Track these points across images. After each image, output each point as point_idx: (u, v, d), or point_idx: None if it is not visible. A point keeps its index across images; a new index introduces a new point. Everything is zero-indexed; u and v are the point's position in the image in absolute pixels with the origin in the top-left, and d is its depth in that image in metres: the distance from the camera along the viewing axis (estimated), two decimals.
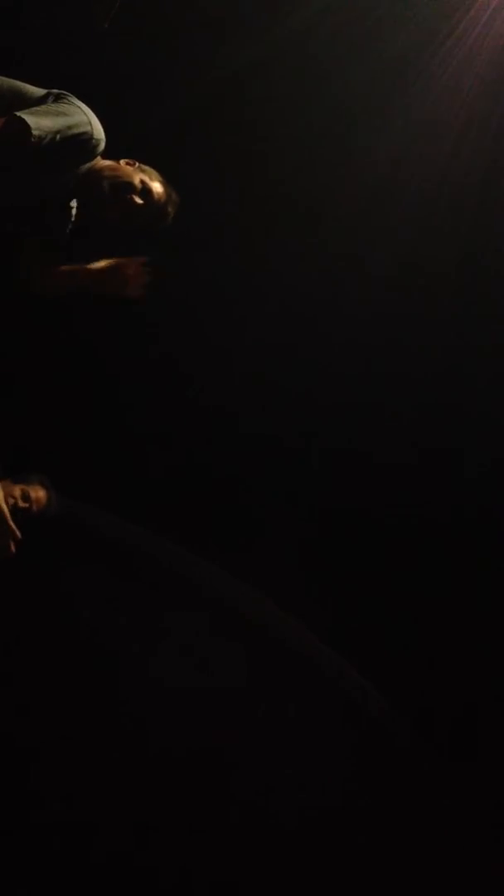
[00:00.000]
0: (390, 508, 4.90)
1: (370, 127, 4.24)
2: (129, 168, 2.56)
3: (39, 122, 2.29)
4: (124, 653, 4.55)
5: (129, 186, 2.53)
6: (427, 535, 4.91)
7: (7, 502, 2.78)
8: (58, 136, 2.32)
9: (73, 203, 2.61)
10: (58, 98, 2.40)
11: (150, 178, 2.57)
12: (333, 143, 4.32)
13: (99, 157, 2.51)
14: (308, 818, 4.51)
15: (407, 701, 4.98)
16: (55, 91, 2.44)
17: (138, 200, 2.54)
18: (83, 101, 2.49)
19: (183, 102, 4.09)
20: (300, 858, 4.44)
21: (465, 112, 4.19)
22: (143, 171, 2.58)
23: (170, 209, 2.61)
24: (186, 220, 2.73)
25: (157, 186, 2.57)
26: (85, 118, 2.40)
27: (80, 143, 2.40)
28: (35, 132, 2.26)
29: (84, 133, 2.39)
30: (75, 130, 2.36)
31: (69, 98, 2.42)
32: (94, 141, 2.43)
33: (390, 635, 4.91)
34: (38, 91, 2.45)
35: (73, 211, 2.62)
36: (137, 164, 2.59)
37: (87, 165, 2.49)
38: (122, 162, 2.57)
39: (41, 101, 2.40)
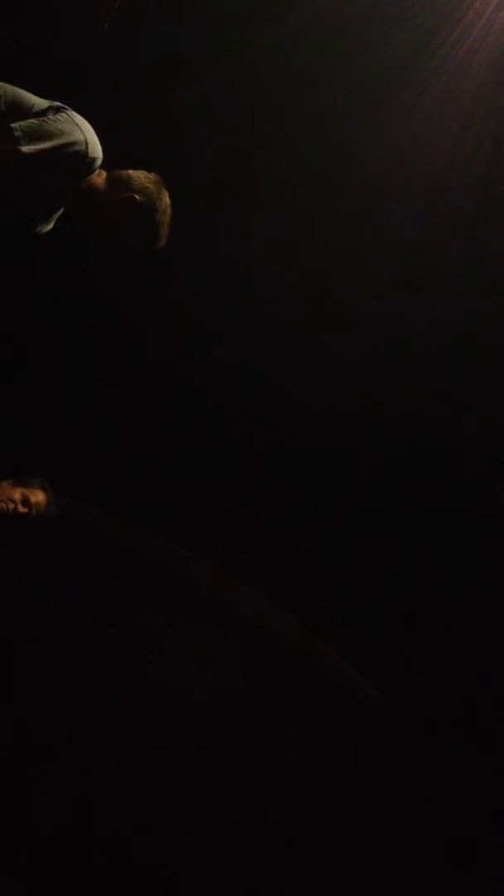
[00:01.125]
0: (390, 508, 4.90)
1: (370, 127, 4.23)
2: (125, 197, 2.51)
3: (33, 136, 2.26)
4: (124, 653, 4.55)
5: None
6: (427, 534, 4.92)
7: (7, 506, 2.76)
8: (51, 153, 2.29)
9: (57, 214, 2.59)
10: (57, 112, 2.37)
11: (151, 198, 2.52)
12: (333, 143, 4.31)
13: (97, 172, 2.48)
14: (308, 817, 4.52)
15: (407, 700, 4.98)
16: (56, 104, 2.41)
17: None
18: (83, 102, 2.47)
19: (182, 102, 4.08)
20: (300, 857, 4.45)
21: (466, 112, 4.18)
22: (138, 183, 2.53)
23: (164, 232, 2.58)
24: (185, 222, 2.72)
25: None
26: (81, 136, 2.36)
27: (73, 161, 2.37)
28: (26, 149, 2.24)
29: (78, 151, 2.35)
30: (70, 149, 2.33)
31: (68, 113, 2.38)
32: (88, 159, 2.40)
33: (390, 635, 4.92)
34: (40, 103, 2.41)
35: (53, 223, 2.60)
36: (142, 172, 2.55)
37: (85, 182, 2.46)
38: (124, 171, 2.54)
39: (41, 113, 2.37)
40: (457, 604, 4.85)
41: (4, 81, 2.44)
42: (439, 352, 4.68)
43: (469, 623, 4.87)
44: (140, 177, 2.55)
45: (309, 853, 4.47)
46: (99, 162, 2.46)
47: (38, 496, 2.86)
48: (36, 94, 2.48)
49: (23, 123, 2.28)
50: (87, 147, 2.38)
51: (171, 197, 2.60)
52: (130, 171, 2.55)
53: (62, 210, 2.59)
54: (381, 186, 4.31)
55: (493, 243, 4.48)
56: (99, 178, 2.51)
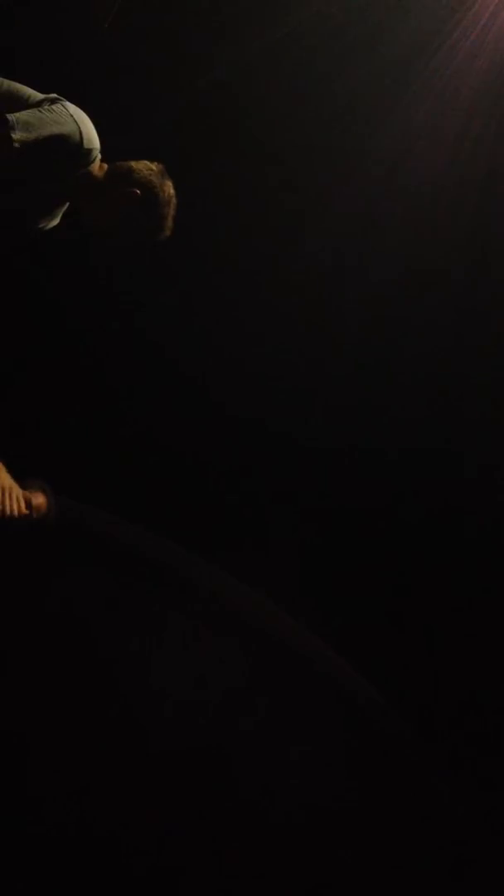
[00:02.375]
0: (391, 508, 4.90)
1: (370, 127, 4.24)
2: (126, 191, 2.50)
3: (27, 126, 2.26)
4: (124, 653, 4.54)
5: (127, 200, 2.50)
6: (427, 534, 4.91)
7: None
8: (45, 143, 2.29)
9: (63, 209, 2.59)
10: (53, 103, 2.37)
11: (154, 190, 2.51)
12: (333, 143, 4.32)
13: (96, 163, 2.47)
14: (308, 818, 4.51)
15: (408, 701, 4.98)
16: (52, 96, 2.41)
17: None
18: (83, 101, 2.47)
19: (183, 102, 4.08)
20: (300, 858, 4.44)
21: (466, 112, 4.19)
22: (144, 175, 2.52)
23: (167, 223, 2.57)
24: (186, 222, 2.72)
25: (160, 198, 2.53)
26: (75, 126, 2.35)
27: (68, 151, 2.36)
28: (19, 138, 2.24)
29: (73, 142, 2.35)
30: (64, 139, 2.33)
31: (64, 104, 2.38)
32: (83, 150, 2.39)
33: (390, 635, 4.92)
34: (37, 95, 2.42)
35: (59, 218, 2.60)
36: (144, 162, 2.54)
37: (83, 172, 2.45)
38: (125, 161, 2.53)
39: (37, 105, 2.36)
40: (458, 603, 4.85)
41: (2, 76, 2.45)
42: (439, 351, 4.69)
43: (470, 623, 4.87)
44: (142, 168, 2.53)
45: (309, 853, 4.46)
46: (95, 153, 2.45)
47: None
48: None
49: (17, 114, 2.28)
50: (81, 138, 2.38)
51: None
52: (132, 163, 2.54)
53: (67, 205, 2.59)
54: (382, 187, 4.32)
55: (494, 244, 4.49)
56: (100, 170, 2.50)
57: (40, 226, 2.58)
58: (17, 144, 2.23)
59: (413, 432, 4.80)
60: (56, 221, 2.62)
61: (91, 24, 3.63)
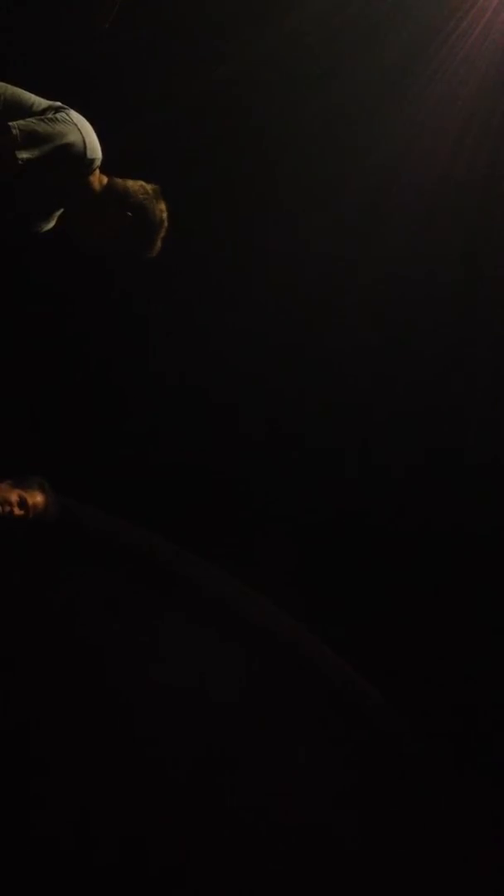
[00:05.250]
0: (391, 509, 4.90)
1: (370, 127, 4.24)
2: (120, 213, 2.50)
3: (31, 135, 2.27)
4: (124, 655, 4.55)
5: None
6: (427, 534, 4.91)
7: (3, 509, 2.73)
8: (49, 152, 2.29)
9: (58, 213, 2.59)
10: (57, 111, 2.38)
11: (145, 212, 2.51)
12: (333, 144, 4.32)
13: (95, 173, 2.48)
14: (309, 822, 4.51)
15: (408, 703, 4.98)
16: (56, 104, 2.42)
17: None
18: (83, 101, 2.47)
19: (182, 103, 4.09)
20: (301, 863, 4.44)
21: (466, 112, 4.19)
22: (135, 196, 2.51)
23: (156, 245, 2.57)
24: (186, 222, 2.72)
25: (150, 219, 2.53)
26: (79, 135, 2.36)
27: (70, 159, 2.37)
28: (23, 146, 2.24)
29: (76, 151, 2.36)
30: (68, 148, 2.34)
31: (67, 112, 2.39)
32: (86, 160, 2.40)
33: (391, 636, 4.92)
34: (41, 102, 2.42)
35: (53, 222, 2.60)
36: (140, 184, 2.54)
37: (82, 182, 2.46)
38: (122, 180, 2.52)
39: (41, 113, 2.37)
40: (458, 604, 4.85)
41: (5, 81, 2.45)
42: (438, 351, 4.69)
43: (471, 624, 4.87)
44: (137, 191, 2.53)
45: (310, 858, 4.46)
46: (98, 162, 2.46)
47: (37, 497, 2.83)
48: (37, 94, 2.49)
49: (21, 122, 2.29)
50: (84, 147, 2.39)
51: (169, 204, 2.59)
52: (129, 183, 2.54)
53: (62, 210, 2.60)
54: (381, 187, 4.32)
55: (494, 244, 4.48)
56: (98, 183, 2.51)
57: (37, 229, 2.59)
58: (22, 150, 2.24)
59: (413, 433, 4.80)
60: (51, 224, 2.63)
61: (91, 24, 3.63)
